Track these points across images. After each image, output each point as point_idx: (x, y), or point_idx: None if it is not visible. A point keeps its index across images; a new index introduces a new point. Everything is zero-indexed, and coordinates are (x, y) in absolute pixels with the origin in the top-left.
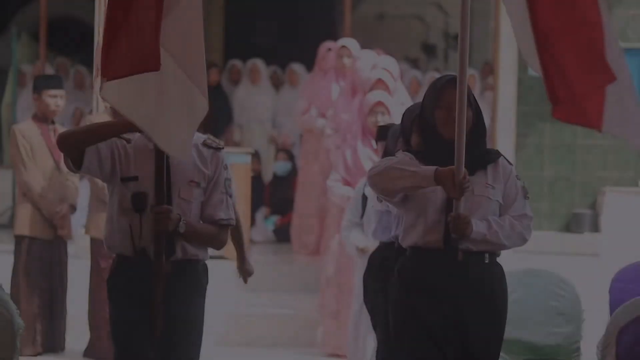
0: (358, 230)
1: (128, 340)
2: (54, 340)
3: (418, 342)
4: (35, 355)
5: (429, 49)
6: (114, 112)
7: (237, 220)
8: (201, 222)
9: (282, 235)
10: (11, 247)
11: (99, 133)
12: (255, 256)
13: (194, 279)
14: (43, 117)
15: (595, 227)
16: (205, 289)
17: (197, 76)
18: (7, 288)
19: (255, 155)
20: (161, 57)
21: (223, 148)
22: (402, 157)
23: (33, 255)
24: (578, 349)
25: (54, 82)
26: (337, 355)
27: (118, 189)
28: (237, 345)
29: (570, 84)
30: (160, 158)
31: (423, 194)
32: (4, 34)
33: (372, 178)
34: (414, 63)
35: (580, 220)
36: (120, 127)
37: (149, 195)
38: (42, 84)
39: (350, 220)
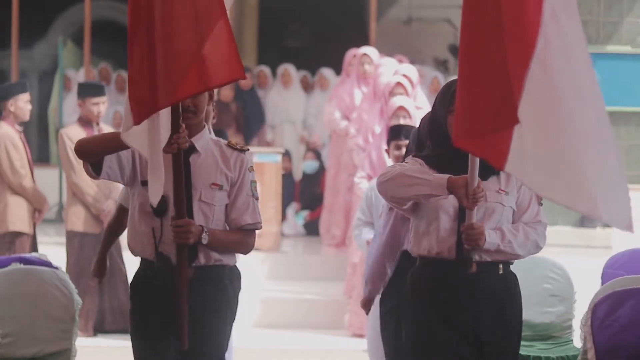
0: (367, 229)
1: (147, 352)
2: (103, 324)
3: (433, 357)
4: (87, 337)
5: (457, 51)
6: None
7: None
8: (226, 226)
9: (311, 228)
10: (58, 239)
11: (117, 141)
12: (286, 248)
13: (219, 284)
14: (87, 121)
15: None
16: (233, 295)
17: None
18: None
19: (286, 154)
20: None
21: (248, 150)
22: (413, 164)
23: (85, 249)
24: (570, 326)
25: (95, 89)
26: (361, 336)
27: (139, 192)
28: (271, 327)
29: (482, 117)
30: (178, 162)
31: (434, 202)
32: (45, 38)
33: (381, 185)
34: (443, 65)
35: None
36: None
37: (170, 199)
38: (85, 91)
39: (360, 219)
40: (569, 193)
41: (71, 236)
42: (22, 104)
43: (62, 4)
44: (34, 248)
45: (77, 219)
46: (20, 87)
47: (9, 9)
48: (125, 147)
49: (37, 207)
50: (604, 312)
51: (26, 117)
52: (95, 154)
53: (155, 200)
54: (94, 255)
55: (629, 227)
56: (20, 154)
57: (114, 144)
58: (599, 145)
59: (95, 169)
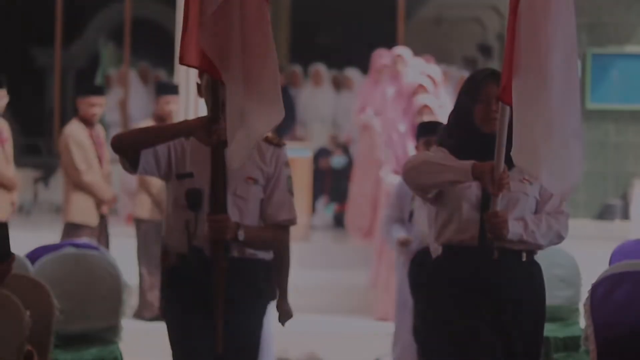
0: (397, 225)
1: (185, 348)
2: None
3: (452, 345)
4: (151, 319)
5: (485, 50)
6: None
7: (284, 249)
8: (260, 222)
9: (340, 220)
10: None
11: (154, 136)
12: (316, 238)
13: (252, 278)
14: (161, 118)
15: (625, 215)
16: (266, 289)
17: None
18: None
19: (324, 153)
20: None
21: (285, 145)
22: (437, 152)
23: (151, 234)
24: (577, 309)
25: (168, 89)
26: (386, 320)
27: (173, 185)
28: (301, 312)
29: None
30: (218, 154)
31: (457, 191)
32: (82, 36)
33: (406, 173)
34: (472, 65)
35: (612, 209)
36: (176, 130)
37: (204, 193)
38: (159, 89)
39: (389, 216)
40: (520, 151)
41: (139, 222)
42: (85, 106)
43: (99, 2)
44: (105, 238)
45: (143, 207)
46: (88, 89)
47: (52, 7)
48: (161, 140)
49: (100, 199)
50: (602, 292)
51: (90, 119)
52: (132, 147)
53: (234, 164)
54: (157, 240)
55: (564, 194)
56: (84, 152)
57: (148, 135)
58: (561, 121)
59: (132, 164)
